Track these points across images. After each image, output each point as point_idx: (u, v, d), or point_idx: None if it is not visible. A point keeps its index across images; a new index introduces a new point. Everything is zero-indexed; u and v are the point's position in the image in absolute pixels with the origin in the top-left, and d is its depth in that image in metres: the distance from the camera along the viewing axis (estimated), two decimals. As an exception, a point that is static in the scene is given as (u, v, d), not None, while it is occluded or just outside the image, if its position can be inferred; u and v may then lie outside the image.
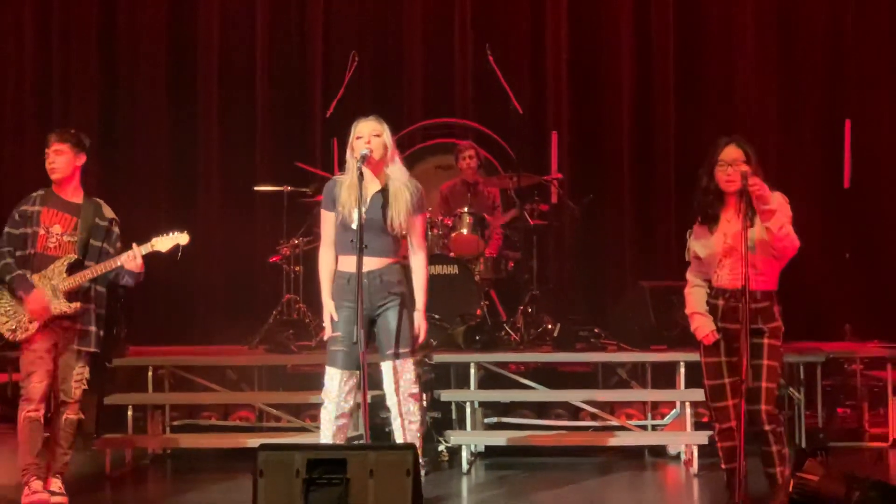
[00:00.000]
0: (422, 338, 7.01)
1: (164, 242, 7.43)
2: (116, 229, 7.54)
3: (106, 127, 12.14)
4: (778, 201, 6.56)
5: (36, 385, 7.28)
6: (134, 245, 7.31)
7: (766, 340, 6.61)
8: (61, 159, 7.38)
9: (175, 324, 11.86)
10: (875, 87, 11.88)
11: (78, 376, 7.38)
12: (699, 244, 6.74)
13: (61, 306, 7.24)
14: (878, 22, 11.94)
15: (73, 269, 7.28)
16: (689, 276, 6.92)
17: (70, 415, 7.43)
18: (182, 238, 7.46)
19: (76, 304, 7.27)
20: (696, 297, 6.83)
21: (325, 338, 6.91)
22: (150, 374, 9.43)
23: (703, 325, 6.74)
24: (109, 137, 12.13)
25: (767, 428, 6.61)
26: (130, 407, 9.31)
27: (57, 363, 7.35)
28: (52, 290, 7.23)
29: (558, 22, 12.25)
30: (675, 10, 12.18)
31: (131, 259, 7.26)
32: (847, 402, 10.41)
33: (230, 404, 9.83)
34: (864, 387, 10.21)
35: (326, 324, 6.87)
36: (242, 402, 9.80)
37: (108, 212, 7.55)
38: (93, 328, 7.41)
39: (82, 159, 7.48)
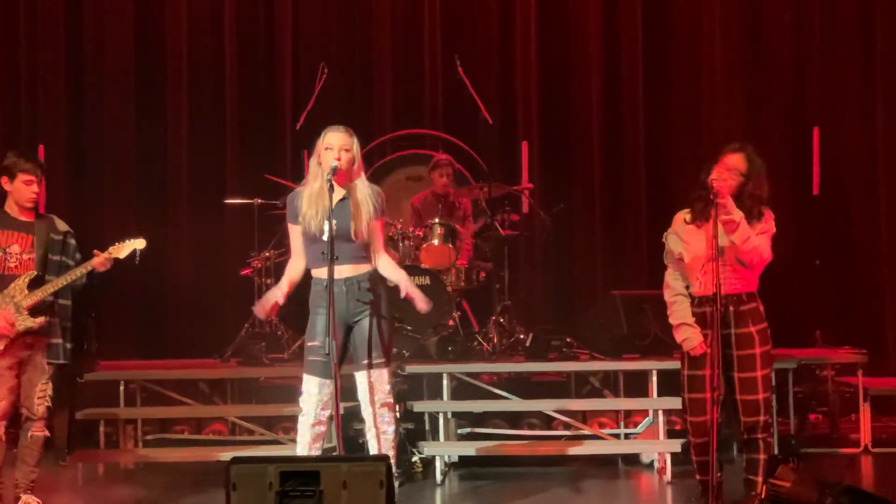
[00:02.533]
0: (423, 303, 6.95)
1: (122, 249, 7.44)
2: (72, 241, 7.58)
3: (74, 139, 12.11)
4: (763, 215, 6.61)
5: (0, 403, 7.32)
6: (96, 252, 7.37)
7: (757, 350, 6.62)
8: (41, 189, 7.55)
9: (146, 337, 11.83)
10: (842, 95, 11.92)
11: (41, 393, 7.37)
12: (683, 246, 6.71)
13: (26, 322, 7.26)
14: (845, 29, 11.98)
15: (33, 284, 7.32)
16: (669, 280, 6.87)
17: (35, 432, 7.43)
18: (139, 243, 7.48)
19: (41, 319, 7.29)
20: (681, 308, 6.80)
21: (256, 312, 6.97)
22: (121, 388, 9.42)
23: (692, 337, 6.70)
24: (77, 150, 12.10)
25: (761, 436, 6.66)
26: (102, 422, 9.31)
27: (20, 380, 7.36)
28: (15, 307, 7.25)
29: (527, 33, 12.26)
30: (643, 22, 12.20)
31: (103, 264, 7.33)
32: (819, 408, 10.46)
33: (203, 418, 9.82)
34: (835, 393, 10.26)
35: (262, 303, 6.90)
36: (215, 416, 9.78)
37: (62, 225, 7.59)
38: (59, 340, 7.44)
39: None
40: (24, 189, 7.41)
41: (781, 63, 12.08)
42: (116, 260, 7.44)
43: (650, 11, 12.23)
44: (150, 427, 9.66)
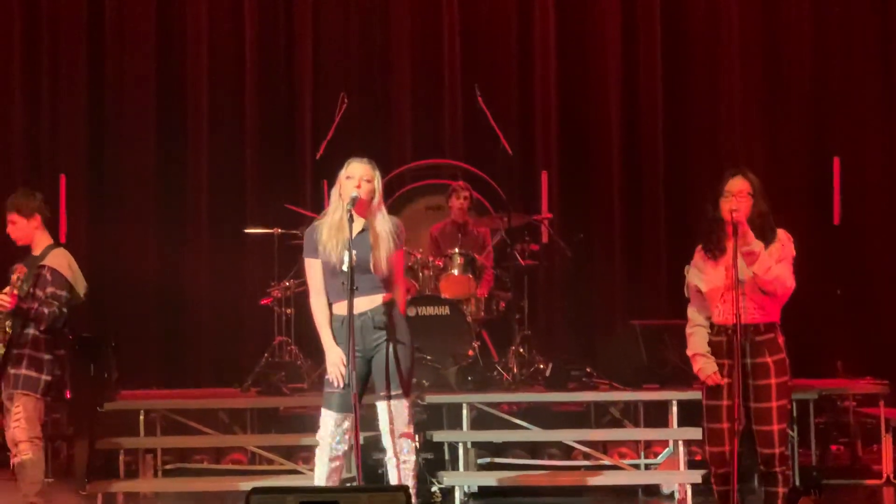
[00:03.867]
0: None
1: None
2: (46, 273, 7.62)
3: (95, 168, 12.14)
4: (781, 240, 6.58)
5: (4, 432, 7.74)
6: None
7: (773, 380, 6.59)
8: (16, 228, 7.76)
9: (166, 366, 11.83)
10: (863, 124, 11.91)
11: (14, 416, 7.54)
12: (701, 278, 6.69)
13: None
14: (865, 59, 11.98)
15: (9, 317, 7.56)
16: (690, 313, 6.84)
17: (21, 456, 7.55)
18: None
19: None
20: (697, 339, 6.77)
21: (335, 384, 6.77)
22: (141, 417, 9.42)
23: (706, 367, 6.69)
24: (99, 178, 12.13)
25: (778, 469, 6.61)
26: (122, 451, 9.29)
27: None
28: None
29: (546, 62, 12.27)
30: (662, 50, 12.21)
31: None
32: (840, 439, 10.39)
33: (222, 447, 9.81)
34: (857, 424, 10.20)
35: (333, 369, 6.66)
36: (234, 445, 9.78)
37: (51, 258, 7.70)
38: (22, 371, 7.57)
39: (36, 219, 7.75)
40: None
41: (801, 93, 12.07)
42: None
43: (669, 42, 12.23)
44: (170, 456, 9.66)
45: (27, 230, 7.72)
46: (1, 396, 7.64)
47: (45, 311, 7.50)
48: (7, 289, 7.46)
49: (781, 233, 6.65)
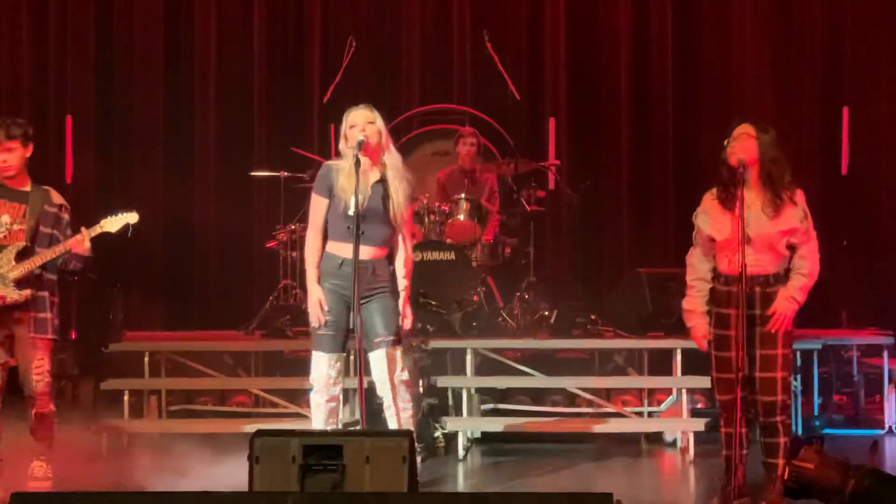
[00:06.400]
0: (408, 326, 6.97)
1: (114, 223, 7.35)
2: (66, 215, 7.43)
3: (102, 110, 12.16)
4: (798, 203, 6.58)
5: None
6: (82, 228, 7.24)
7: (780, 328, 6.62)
8: (13, 156, 7.28)
9: (172, 309, 11.86)
10: (873, 75, 11.84)
11: (37, 369, 7.28)
12: (711, 225, 6.66)
13: (11, 294, 7.17)
14: (877, 9, 11.90)
15: (21, 256, 7.21)
16: (694, 261, 6.78)
17: (39, 409, 7.37)
18: (131, 217, 7.38)
19: (26, 292, 7.20)
20: (699, 294, 6.75)
21: (314, 325, 6.83)
22: (146, 359, 9.46)
23: (698, 328, 6.73)
24: (106, 120, 12.14)
25: (780, 418, 6.63)
26: (127, 392, 9.32)
27: (15, 356, 7.33)
28: (1, 278, 7.17)
29: (556, 7, 12.22)
30: (674, -4, 12.18)
31: (79, 242, 7.20)
32: (843, 389, 10.41)
33: (227, 390, 9.85)
34: (860, 374, 10.21)
35: (313, 309, 6.78)
36: (239, 388, 9.81)
37: (57, 198, 7.46)
38: (48, 315, 7.33)
39: (30, 150, 7.37)
40: None
41: (812, 43, 12.00)
42: (107, 234, 7.33)
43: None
44: (175, 398, 9.69)
45: (22, 161, 7.31)
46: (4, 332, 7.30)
47: (80, 264, 7.33)
48: (83, 234, 7.18)
49: (801, 199, 6.64)
